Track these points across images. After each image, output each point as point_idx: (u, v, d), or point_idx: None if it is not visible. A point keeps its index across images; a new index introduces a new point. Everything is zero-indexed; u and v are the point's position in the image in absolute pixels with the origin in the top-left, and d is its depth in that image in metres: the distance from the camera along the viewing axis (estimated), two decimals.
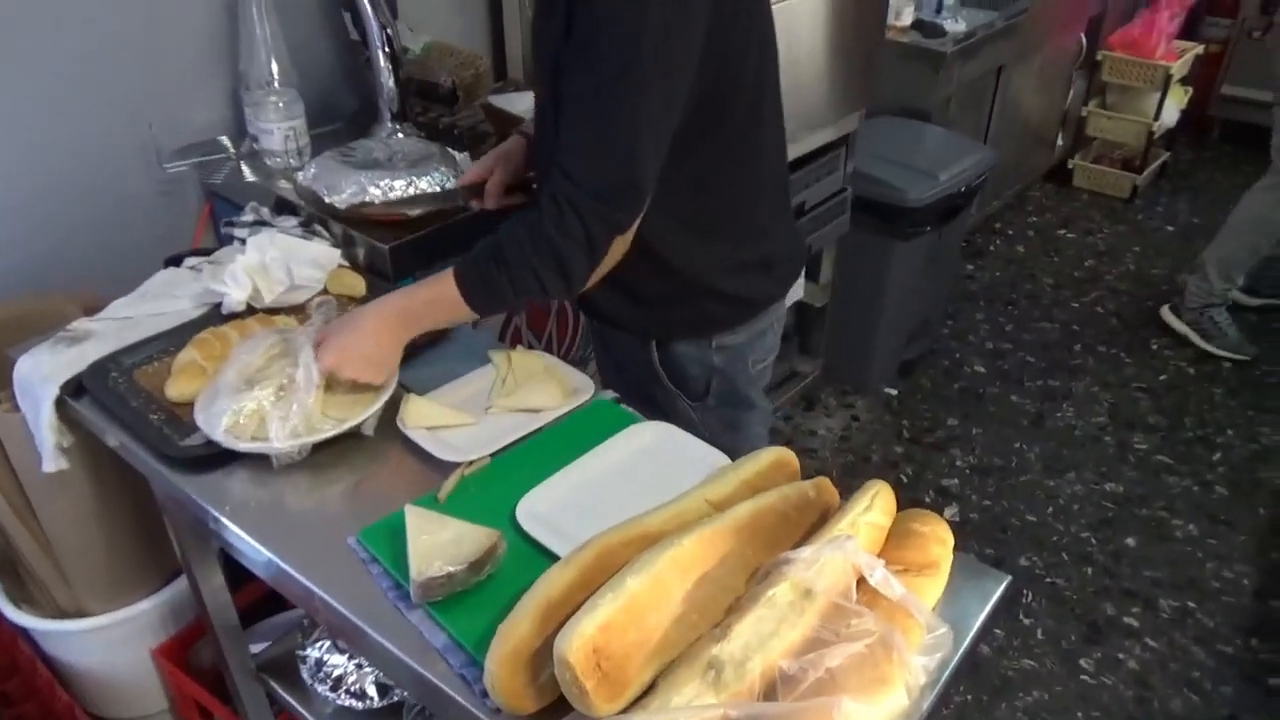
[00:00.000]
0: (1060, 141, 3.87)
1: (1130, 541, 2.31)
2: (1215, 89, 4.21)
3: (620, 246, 1.12)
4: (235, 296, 1.30)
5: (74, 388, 1.22)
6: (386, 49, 1.70)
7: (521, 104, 1.79)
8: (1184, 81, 3.85)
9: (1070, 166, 3.97)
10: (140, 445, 1.14)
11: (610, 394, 1.21)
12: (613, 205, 1.06)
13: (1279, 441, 2.62)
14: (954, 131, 2.77)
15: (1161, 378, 2.88)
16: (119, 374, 1.23)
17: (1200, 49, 3.83)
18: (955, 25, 2.77)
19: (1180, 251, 3.52)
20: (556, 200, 1.04)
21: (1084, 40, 3.58)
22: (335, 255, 1.42)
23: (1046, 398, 2.79)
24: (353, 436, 1.12)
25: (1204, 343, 2.94)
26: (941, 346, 2.98)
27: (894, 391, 2.79)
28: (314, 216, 1.51)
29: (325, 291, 1.38)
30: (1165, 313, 3.06)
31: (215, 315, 1.34)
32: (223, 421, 1.07)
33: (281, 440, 1.06)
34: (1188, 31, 3.90)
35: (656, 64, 1.00)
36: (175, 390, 1.19)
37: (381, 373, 1.14)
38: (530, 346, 1.80)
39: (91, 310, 1.37)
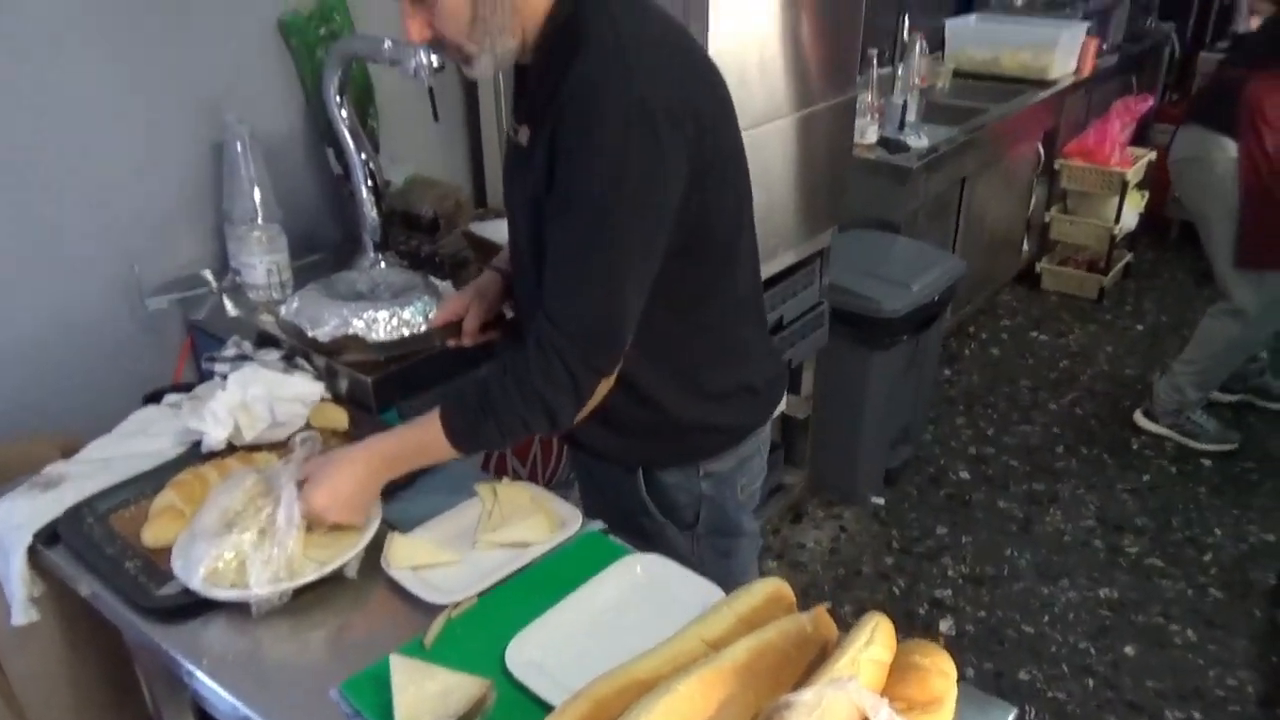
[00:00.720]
0: (1026, 246, 3.98)
1: (1129, 650, 2.26)
2: (1169, 192, 4.36)
3: (605, 386, 1.12)
4: (216, 436, 1.28)
5: (48, 535, 1.19)
6: (370, 182, 1.73)
7: (502, 232, 1.81)
8: (1140, 186, 3.99)
9: (1038, 270, 4.07)
10: (114, 595, 1.10)
11: (598, 524, 1.19)
12: (596, 350, 1.08)
13: (1266, 540, 2.61)
14: (923, 242, 2.84)
15: (1145, 478, 2.89)
16: (94, 519, 1.20)
17: (1153, 154, 3.99)
18: (918, 141, 2.88)
19: (1151, 350, 3.58)
20: (542, 346, 1.06)
21: (1041, 150, 3.72)
22: (318, 389, 1.41)
23: (1033, 502, 2.78)
24: (335, 579, 1.09)
25: (1190, 442, 2.97)
26: (925, 453, 2.98)
27: (881, 501, 2.77)
28: (296, 349, 1.51)
29: (308, 425, 1.37)
30: (1139, 418, 3.09)
31: (195, 454, 1.32)
32: (200, 569, 1.04)
33: (263, 586, 1.04)
34: (1139, 138, 4.08)
35: (635, 214, 1.03)
36: (151, 535, 1.16)
37: (363, 515, 1.14)
38: (515, 473, 1.78)
39: (69, 452, 1.35)
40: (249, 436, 1.31)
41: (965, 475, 2.90)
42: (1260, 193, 2.60)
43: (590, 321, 1.06)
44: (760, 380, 1.33)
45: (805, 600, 0.99)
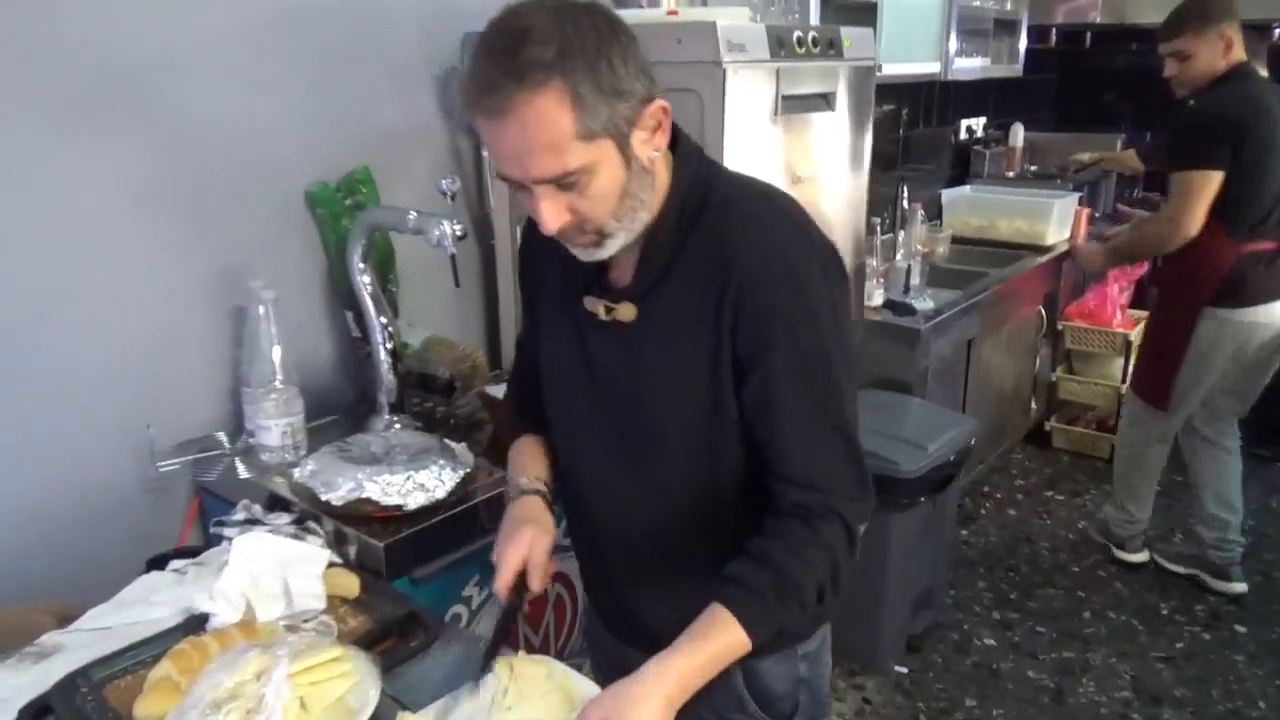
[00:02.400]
0: (1035, 405, 3.98)
1: None
2: None
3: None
4: (226, 619, 1.23)
5: (37, 709, 1.13)
6: (387, 345, 1.76)
7: None
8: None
9: (1048, 429, 4.06)
10: None
11: None
12: (862, 501, 1.08)
13: None
14: (934, 403, 2.85)
15: (1178, 645, 2.76)
16: (89, 689, 1.14)
17: None
18: (924, 304, 2.94)
19: (1168, 509, 3.51)
20: (815, 513, 1.04)
21: (1043, 312, 3.79)
22: (325, 556, 1.36)
23: (1064, 671, 2.65)
24: None
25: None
26: (948, 619, 2.87)
27: (905, 669, 2.64)
28: (307, 513, 1.48)
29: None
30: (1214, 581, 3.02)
31: (197, 621, 1.26)
32: None
33: None
34: (1139, 301, 4.16)
35: (851, 362, 1.08)
36: (143, 710, 1.09)
37: None
38: (527, 641, 1.71)
39: (66, 620, 1.30)
40: (262, 617, 1.25)
41: (991, 641, 2.78)
42: None
43: (851, 475, 1.07)
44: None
45: None
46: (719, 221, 1.05)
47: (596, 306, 1.11)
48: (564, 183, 0.96)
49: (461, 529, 1.52)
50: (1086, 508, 3.56)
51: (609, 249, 1.03)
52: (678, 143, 1.07)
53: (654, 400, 1.10)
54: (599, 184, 0.97)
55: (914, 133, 4.09)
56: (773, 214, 1.07)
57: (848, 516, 1.05)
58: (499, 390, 1.83)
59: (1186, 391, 2.81)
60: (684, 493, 1.12)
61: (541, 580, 1.16)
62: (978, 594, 3.02)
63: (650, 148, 1.00)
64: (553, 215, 0.98)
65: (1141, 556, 3.12)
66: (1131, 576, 3.10)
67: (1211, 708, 2.50)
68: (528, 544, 1.15)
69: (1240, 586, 2.96)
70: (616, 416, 1.14)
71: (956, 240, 3.92)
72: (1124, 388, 3.81)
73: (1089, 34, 4.84)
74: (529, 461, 1.27)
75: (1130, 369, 3.03)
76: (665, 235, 1.05)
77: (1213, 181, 2.49)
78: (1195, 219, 2.53)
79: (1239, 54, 2.52)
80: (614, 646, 1.30)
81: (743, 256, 1.01)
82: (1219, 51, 2.49)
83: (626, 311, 1.08)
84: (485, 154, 2.03)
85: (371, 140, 1.95)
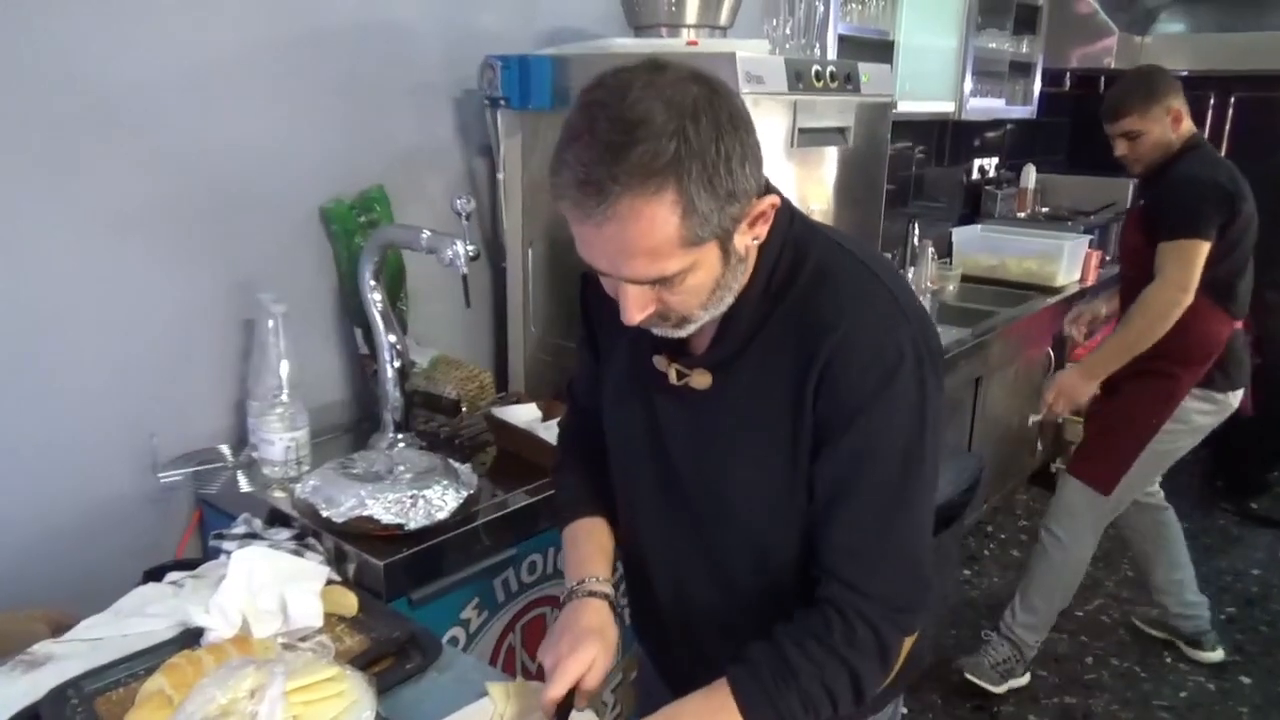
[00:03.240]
0: (1040, 446, 3.96)
1: None
2: None
3: (909, 646, 1.02)
4: (222, 634, 1.21)
5: (27, 718, 1.11)
6: (395, 363, 1.75)
7: (522, 415, 1.82)
8: None
9: (1053, 470, 4.03)
10: None
11: None
12: (907, 613, 0.98)
13: None
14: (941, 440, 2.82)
15: (1182, 694, 2.72)
16: (80, 701, 1.13)
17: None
18: None
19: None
20: (844, 613, 0.96)
21: (1051, 354, 3.78)
22: (324, 574, 1.35)
23: (1065, 717, 2.61)
24: None
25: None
26: (948, 659, 2.83)
27: (905, 710, 2.60)
28: (308, 529, 1.47)
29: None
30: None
31: (192, 635, 1.25)
32: None
33: None
34: None
35: (933, 463, 0.98)
36: None
37: None
38: (527, 671, 1.69)
39: (60, 629, 1.28)
40: (258, 633, 1.24)
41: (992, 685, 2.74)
42: None
43: (900, 585, 0.97)
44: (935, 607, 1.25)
45: None
46: (811, 295, 0.97)
47: (668, 369, 1.05)
48: (658, 283, 0.90)
49: (462, 551, 1.50)
50: (1094, 552, 3.52)
51: (688, 330, 0.98)
52: None
53: (724, 472, 1.04)
54: (694, 281, 0.91)
55: (927, 170, 4.11)
56: (870, 291, 0.97)
57: (882, 627, 0.96)
58: (506, 412, 1.82)
59: (1146, 476, 2.64)
60: (746, 566, 1.07)
61: (586, 699, 1.09)
62: (979, 635, 2.98)
63: (750, 237, 0.94)
64: (638, 308, 0.92)
65: (1023, 682, 2.76)
66: (1130, 625, 3.06)
67: None
68: (589, 662, 1.06)
69: (1215, 655, 2.84)
70: (682, 482, 1.08)
71: (966, 279, 3.92)
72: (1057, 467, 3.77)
73: (1103, 79, 4.87)
74: (595, 553, 1.18)
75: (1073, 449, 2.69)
76: (750, 306, 0.98)
77: (1205, 252, 2.32)
78: (1194, 290, 2.34)
79: (1189, 126, 2.43)
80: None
81: (834, 335, 0.94)
82: (1168, 126, 2.40)
83: (701, 380, 1.03)
84: (500, 176, 2.04)
85: (388, 159, 1.96)
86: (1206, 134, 4.64)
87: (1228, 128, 4.64)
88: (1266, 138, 4.57)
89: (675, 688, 1.20)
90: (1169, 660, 2.87)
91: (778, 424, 0.98)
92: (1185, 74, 4.48)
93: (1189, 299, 2.33)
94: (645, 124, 0.81)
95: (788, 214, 1.00)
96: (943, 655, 2.82)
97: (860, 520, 0.97)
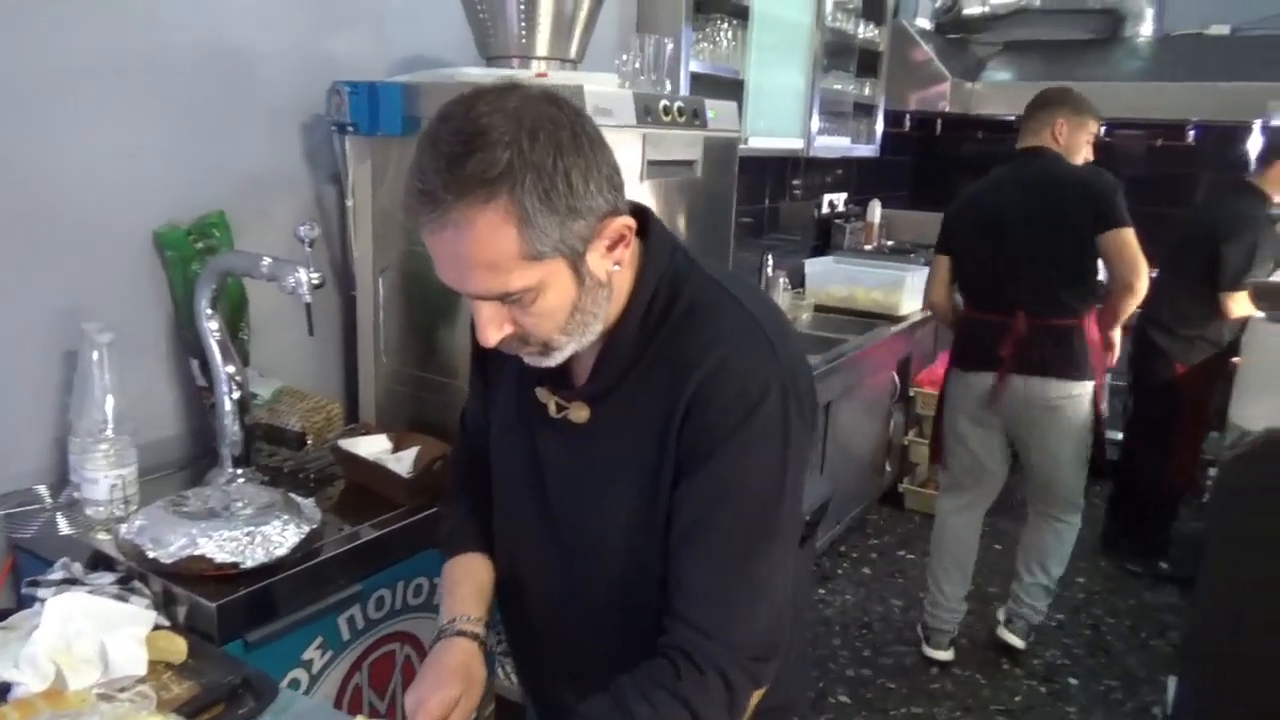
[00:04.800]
0: (889, 468, 4.15)
1: None
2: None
3: (757, 698, 0.98)
4: (33, 688, 1.13)
5: None
6: (234, 395, 1.68)
7: (371, 447, 1.78)
8: None
9: (901, 490, 4.24)
10: None
11: None
12: (760, 662, 0.95)
13: None
14: None
15: (1016, 699, 2.90)
16: None
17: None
18: None
19: (1011, 567, 3.68)
20: (694, 661, 0.92)
21: (896, 378, 3.98)
22: (150, 618, 1.27)
23: None
24: None
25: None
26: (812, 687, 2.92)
27: None
28: (133, 572, 1.39)
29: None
30: (1005, 634, 3.11)
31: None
32: None
33: None
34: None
35: (793, 503, 0.97)
36: None
37: None
38: (372, 708, 1.64)
39: None
40: (74, 685, 1.16)
41: (845, 699, 2.84)
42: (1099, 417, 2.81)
43: (755, 632, 0.94)
44: (802, 642, 1.25)
45: None
46: (683, 331, 0.97)
47: (549, 400, 1.05)
48: (507, 299, 0.90)
49: (304, 589, 1.45)
50: None
51: (556, 359, 0.97)
52: (648, 237, 1.00)
53: (595, 508, 1.04)
54: (546, 302, 0.90)
55: (780, 205, 4.28)
56: (741, 329, 0.97)
57: (731, 675, 0.92)
58: (354, 444, 1.78)
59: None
60: (615, 595, 1.06)
61: None
62: (833, 652, 3.09)
63: (609, 262, 0.93)
64: (492, 328, 0.92)
65: (1022, 644, 3.08)
66: (976, 634, 3.24)
67: None
68: (453, 702, 1.05)
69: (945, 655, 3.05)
70: (558, 517, 1.08)
71: (819, 308, 4.10)
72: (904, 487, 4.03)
73: (940, 121, 5.20)
74: (470, 594, 1.16)
75: (1072, 467, 2.83)
76: (626, 340, 0.98)
77: (942, 262, 2.98)
78: (933, 293, 3.02)
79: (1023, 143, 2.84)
80: None
81: (701, 370, 0.93)
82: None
83: (579, 413, 1.02)
84: (350, 203, 2.00)
85: (231, 184, 1.89)
86: None
87: None
88: None
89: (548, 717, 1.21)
90: (1005, 667, 3.05)
91: (645, 459, 0.98)
92: (1012, 118, 4.86)
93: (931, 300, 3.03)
94: (483, 135, 0.83)
95: (669, 248, 1.01)
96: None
97: (713, 561, 0.95)
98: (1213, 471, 2.92)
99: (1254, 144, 4.51)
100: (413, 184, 0.86)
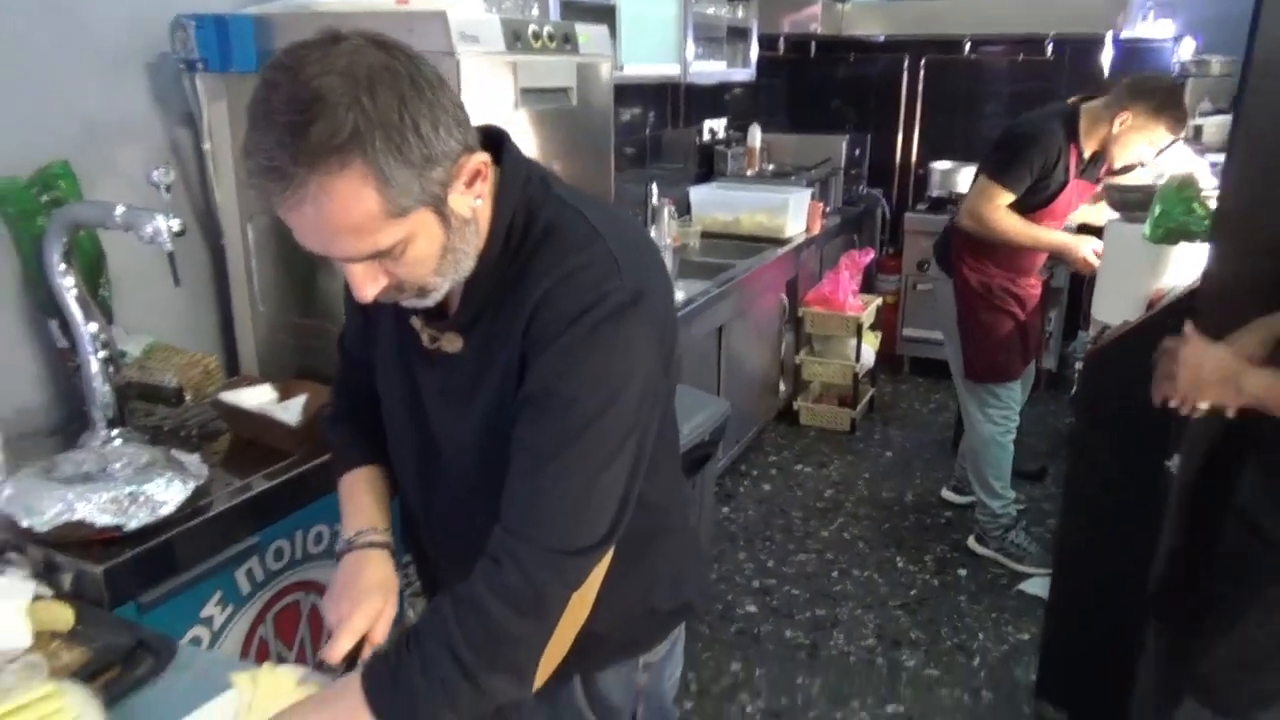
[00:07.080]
0: (783, 386, 4.27)
1: None
2: (898, 331, 4.89)
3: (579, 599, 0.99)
4: None
5: None
6: (100, 354, 1.59)
7: (255, 398, 1.72)
8: (874, 327, 4.44)
9: (796, 408, 4.37)
10: None
11: None
12: (568, 555, 0.94)
13: (1022, 639, 2.82)
14: (690, 386, 2.97)
15: (912, 593, 3.06)
16: None
17: (880, 300, 4.49)
18: (677, 295, 3.07)
19: (902, 472, 3.89)
20: (496, 558, 0.93)
21: (785, 299, 4.07)
22: (29, 589, 1.21)
23: (817, 628, 2.86)
24: None
25: (1015, 565, 3.19)
26: (712, 591, 3.02)
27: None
28: (7, 544, 1.32)
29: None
30: (973, 544, 3.29)
31: None
32: None
33: None
34: (867, 287, 4.57)
35: (635, 428, 0.96)
36: None
37: None
38: (279, 658, 1.62)
39: None
40: None
41: (753, 608, 2.95)
42: (969, 319, 3.02)
43: (560, 526, 0.93)
44: (694, 549, 1.27)
45: None
46: (535, 253, 0.97)
47: (422, 332, 1.05)
48: (378, 257, 0.88)
49: (196, 546, 1.41)
50: (833, 478, 3.86)
51: (434, 299, 0.98)
52: (503, 165, 0.99)
53: (467, 434, 1.05)
54: (417, 250, 0.89)
55: (661, 133, 4.26)
56: (585, 245, 0.97)
57: (532, 570, 0.92)
58: (236, 396, 1.71)
59: None
60: (495, 515, 1.02)
61: (373, 643, 1.09)
62: (739, 566, 3.19)
63: (471, 197, 0.92)
64: (368, 284, 0.91)
65: (988, 552, 3.24)
66: (873, 536, 3.40)
67: (941, 645, 2.79)
68: (375, 615, 1.07)
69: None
70: (438, 446, 1.10)
71: (706, 235, 4.13)
72: (857, 365, 4.19)
73: (813, 44, 5.25)
74: (372, 503, 1.18)
75: (952, 360, 3.18)
76: (487, 268, 0.98)
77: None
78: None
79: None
80: None
81: (541, 286, 0.94)
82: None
83: (452, 343, 1.04)
84: (207, 146, 1.89)
85: (72, 133, 1.76)
86: (902, 94, 5.17)
87: (920, 87, 5.17)
88: (949, 96, 5.14)
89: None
90: (900, 565, 3.22)
91: (504, 382, 0.99)
92: (881, 39, 4.95)
93: None
94: (320, 100, 0.79)
95: (523, 174, 1.00)
96: (715, 593, 2.99)
97: (527, 465, 0.95)
98: (1079, 366, 3.11)
99: (1106, 56, 4.70)
100: (256, 162, 0.82)
